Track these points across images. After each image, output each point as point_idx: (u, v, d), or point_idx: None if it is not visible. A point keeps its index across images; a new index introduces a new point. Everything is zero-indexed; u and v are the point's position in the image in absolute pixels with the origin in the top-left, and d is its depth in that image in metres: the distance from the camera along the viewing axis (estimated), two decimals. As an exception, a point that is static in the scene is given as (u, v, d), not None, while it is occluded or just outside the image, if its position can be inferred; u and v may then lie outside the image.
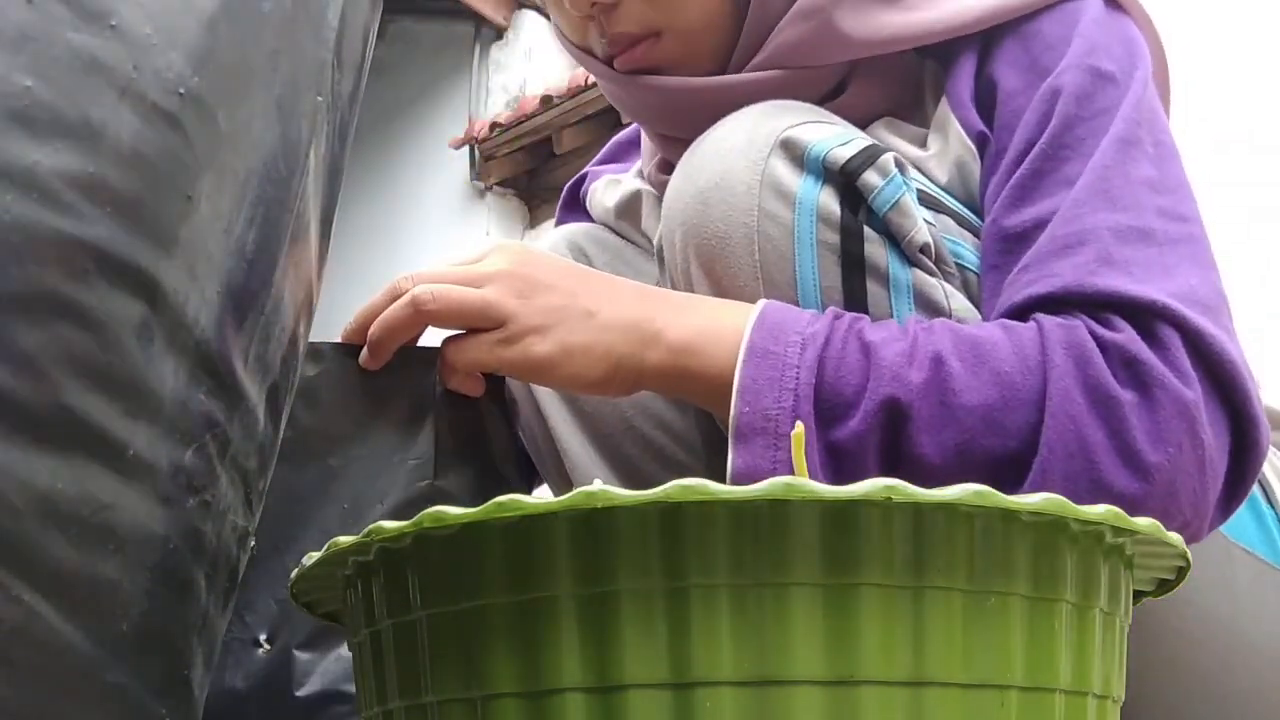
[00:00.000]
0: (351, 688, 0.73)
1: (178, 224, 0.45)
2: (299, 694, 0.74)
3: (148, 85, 0.44)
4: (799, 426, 0.46)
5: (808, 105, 0.77)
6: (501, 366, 0.74)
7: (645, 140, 0.95)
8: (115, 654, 0.44)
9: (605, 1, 0.80)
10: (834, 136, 0.72)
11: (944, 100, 0.80)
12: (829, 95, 0.83)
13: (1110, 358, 0.66)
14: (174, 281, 0.45)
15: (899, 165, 0.72)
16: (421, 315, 0.73)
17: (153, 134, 0.44)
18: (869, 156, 0.71)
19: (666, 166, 0.89)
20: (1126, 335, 0.66)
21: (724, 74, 0.82)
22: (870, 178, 0.70)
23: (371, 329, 0.76)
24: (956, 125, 0.79)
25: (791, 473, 0.50)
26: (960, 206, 0.78)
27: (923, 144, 0.81)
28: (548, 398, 0.87)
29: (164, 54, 0.45)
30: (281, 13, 0.50)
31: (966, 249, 0.75)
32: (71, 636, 0.42)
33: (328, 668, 0.75)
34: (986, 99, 0.78)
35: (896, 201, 0.71)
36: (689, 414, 0.88)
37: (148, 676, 0.46)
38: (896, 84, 0.84)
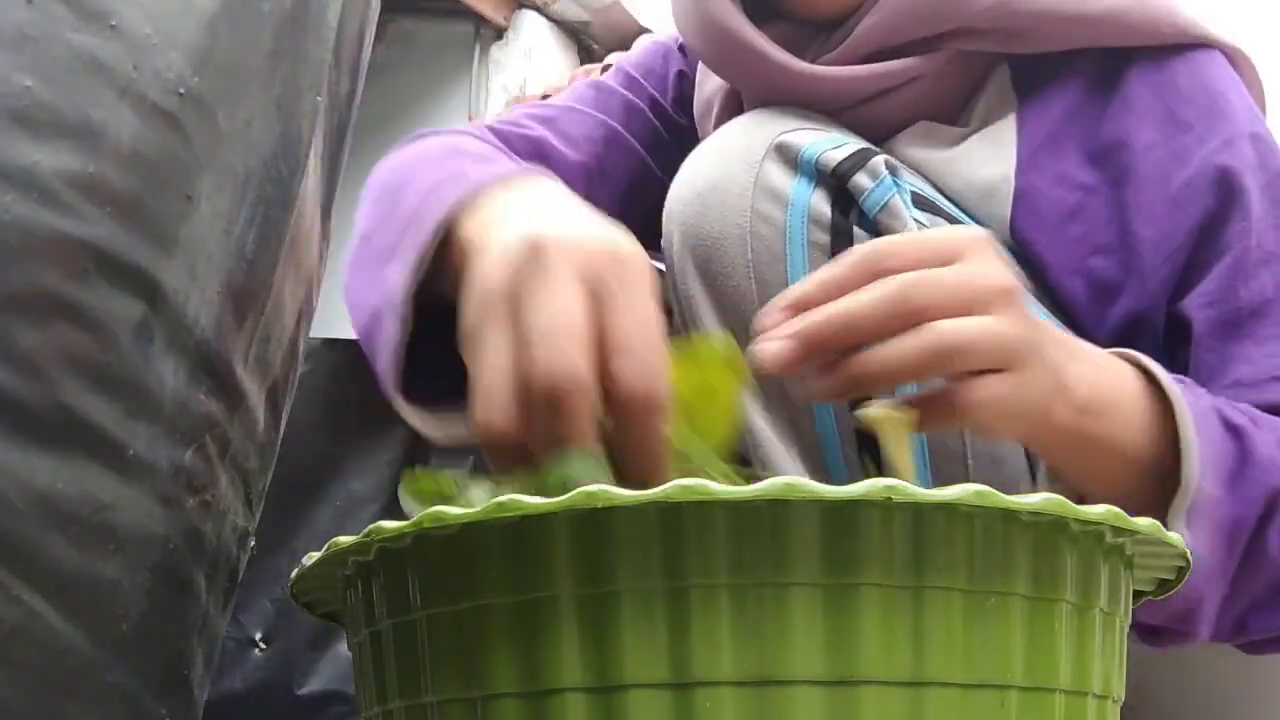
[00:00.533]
0: (351, 688, 0.73)
1: (178, 224, 0.45)
2: (299, 693, 0.74)
3: (148, 85, 0.44)
4: (896, 411, 0.45)
5: (801, 111, 0.77)
6: (1003, 420, 0.56)
7: (704, 80, 0.93)
8: (115, 654, 0.44)
9: None
10: (827, 140, 0.73)
11: (1011, 121, 0.80)
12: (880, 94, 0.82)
13: None
14: (174, 281, 0.45)
15: (890, 168, 0.72)
16: (942, 362, 0.53)
17: (153, 134, 0.44)
18: (860, 160, 0.72)
19: (731, 105, 0.88)
20: None
21: (843, 21, 0.82)
22: (860, 180, 0.71)
23: (870, 360, 0.53)
24: (1011, 162, 0.79)
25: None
26: (958, 211, 0.78)
27: (955, 142, 0.81)
28: None
29: (164, 54, 0.45)
30: (281, 13, 0.50)
31: None
32: (71, 636, 0.42)
33: (327, 668, 0.75)
34: (1111, 141, 0.78)
35: (886, 203, 0.71)
36: None
37: (148, 676, 0.46)
38: (954, 89, 0.84)
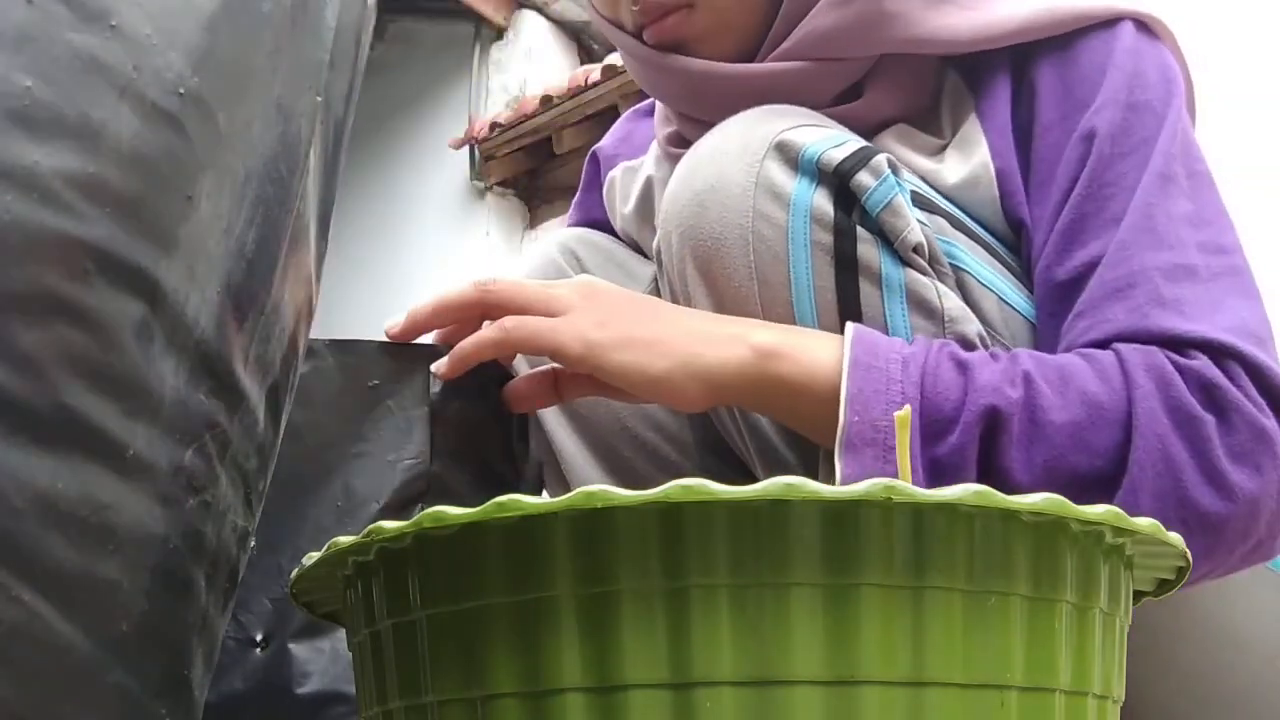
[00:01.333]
0: (351, 688, 0.73)
1: (178, 224, 0.45)
2: (299, 693, 0.74)
3: (148, 85, 0.44)
4: (905, 409, 0.46)
5: (803, 109, 0.77)
6: (599, 368, 0.72)
7: (659, 111, 0.95)
8: (115, 654, 0.44)
9: None
10: (828, 138, 0.73)
11: (974, 119, 0.81)
12: (845, 97, 0.83)
13: (1189, 381, 0.67)
14: (174, 281, 0.45)
15: (892, 166, 0.72)
16: (508, 343, 0.74)
17: (153, 134, 0.44)
18: (862, 158, 0.72)
19: (679, 140, 0.90)
20: (1201, 362, 0.67)
21: (753, 59, 0.83)
22: (863, 178, 0.71)
23: (463, 343, 0.76)
24: (985, 150, 0.79)
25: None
26: (955, 209, 0.78)
27: (936, 153, 0.81)
28: None
29: (164, 54, 0.45)
30: (281, 13, 0.50)
31: (961, 250, 0.76)
32: (71, 636, 0.42)
33: (327, 668, 0.75)
34: (1024, 126, 0.79)
35: (889, 202, 0.71)
36: (682, 416, 0.88)
37: (148, 676, 0.46)
38: (913, 90, 0.84)
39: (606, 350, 0.71)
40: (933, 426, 0.66)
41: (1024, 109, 0.79)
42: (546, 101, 4.59)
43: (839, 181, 0.71)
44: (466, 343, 0.76)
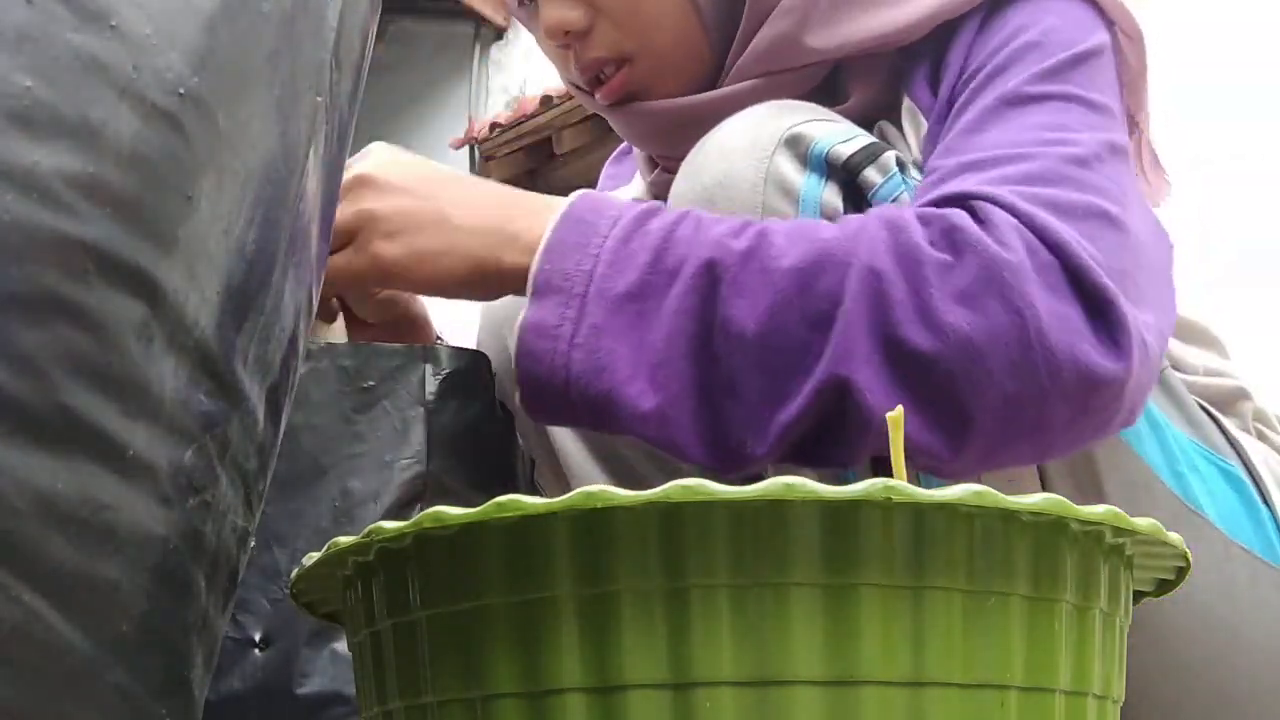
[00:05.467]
0: (351, 688, 0.73)
1: (178, 224, 0.45)
2: (299, 693, 0.74)
3: (148, 85, 0.44)
4: (899, 410, 0.46)
5: (810, 104, 0.78)
6: (356, 279, 0.74)
7: (640, 157, 0.96)
8: (115, 654, 0.44)
9: (578, 30, 0.82)
10: (837, 133, 0.73)
11: (907, 101, 0.82)
12: (825, 98, 0.83)
13: (931, 227, 0.66)
14: (174, 281, 0.45)
15: (899, 164, 0.73)
16: (325, 300, 0.76)
17: (153, 134, 0.44)
18: (870, 154, 0.72)
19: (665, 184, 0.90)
20: (953, 210, 0.67)
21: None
22: (870, 175, 0.72)
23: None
24: (923, 128, 0.80)
25: (578, 334, 0.64)
26: None
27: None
28: None
29: (164, 54, 0.45)
30: (281, 13, 0.50)
31: None
32: (71, 636, 0.42)
33: (327, 668, 0.75)
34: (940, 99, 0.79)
35: (896, 198, 0.71)
36: None
37: (148, 676, 0.46)
38: (886, 85, 0.84)
39: (376, 247, 0.73)
40: (620, 274, 0.67)
41: (941, 87, 0.80)
42: (546, 101, 4.59)
43: (847, 177, 0.72)
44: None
